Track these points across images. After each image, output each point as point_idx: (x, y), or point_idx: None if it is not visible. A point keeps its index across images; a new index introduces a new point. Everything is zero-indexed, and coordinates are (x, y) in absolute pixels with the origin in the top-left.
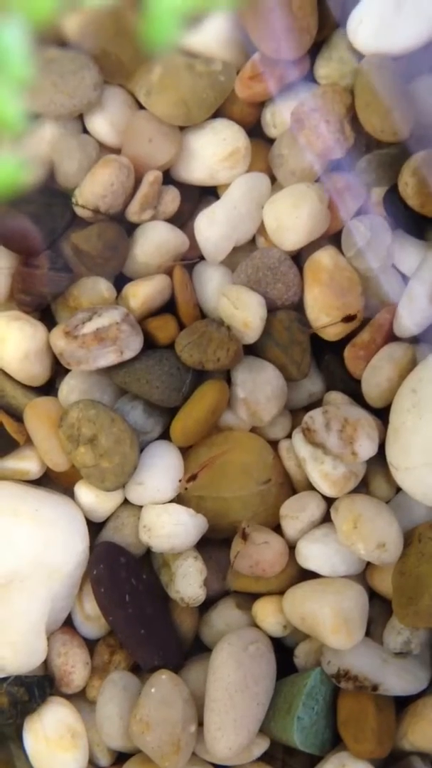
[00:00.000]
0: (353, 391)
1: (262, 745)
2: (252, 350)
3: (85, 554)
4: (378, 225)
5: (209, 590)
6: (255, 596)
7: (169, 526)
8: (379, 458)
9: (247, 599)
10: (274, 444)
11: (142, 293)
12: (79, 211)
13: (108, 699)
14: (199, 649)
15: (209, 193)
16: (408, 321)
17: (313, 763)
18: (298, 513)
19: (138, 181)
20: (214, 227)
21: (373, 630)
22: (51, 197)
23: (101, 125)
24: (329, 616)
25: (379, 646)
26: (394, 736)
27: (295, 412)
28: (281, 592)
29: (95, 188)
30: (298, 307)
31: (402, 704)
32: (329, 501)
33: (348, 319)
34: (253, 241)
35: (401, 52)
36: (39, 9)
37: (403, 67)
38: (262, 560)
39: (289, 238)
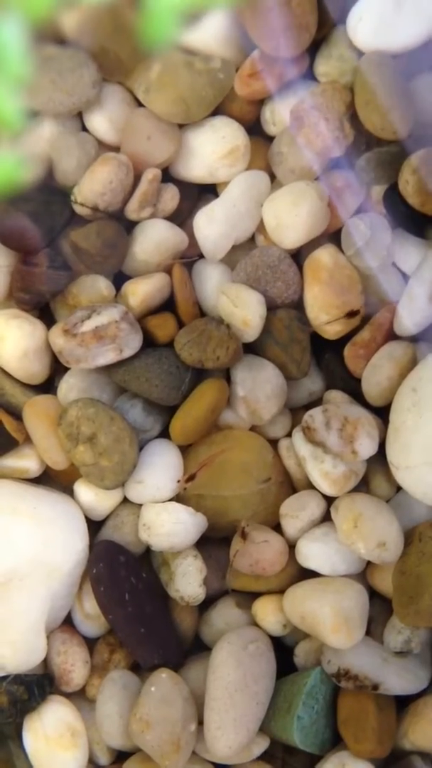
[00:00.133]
0: (353, 389)
1: (262, 744)
2: (252, 349)
3: (84, 553)
4: (378, 223)
5: (209, 589)
6: (255, 595)
7: (168, 525)
8: (380, 457)
9: (247, 598)
10: (273, 443)
11: (142, 291)
12: (78, 209)
13: (108, 698)
14: (198, 647)
15: (208, 191)
16: (408, 320)
17: (313, 763)
18: (298, 512)
19: (137, 179)
20: (213, 225)
21: (374, 629)
22: (50, 195)
23: (100, 123)
24: (329, 615)
25: (380, 645)
26: (394, 735)
27: (295, 411)
28: (281, 591)
29: (94, 186)
30: (298, 305)
31: (402, 703)
32: (329, 500)
33: (351, 314)
34: (252, 240)
35: (401, 50)
36: (37, 6)
37: (403, 65)
38: (262, 559)
39: (288, 236)
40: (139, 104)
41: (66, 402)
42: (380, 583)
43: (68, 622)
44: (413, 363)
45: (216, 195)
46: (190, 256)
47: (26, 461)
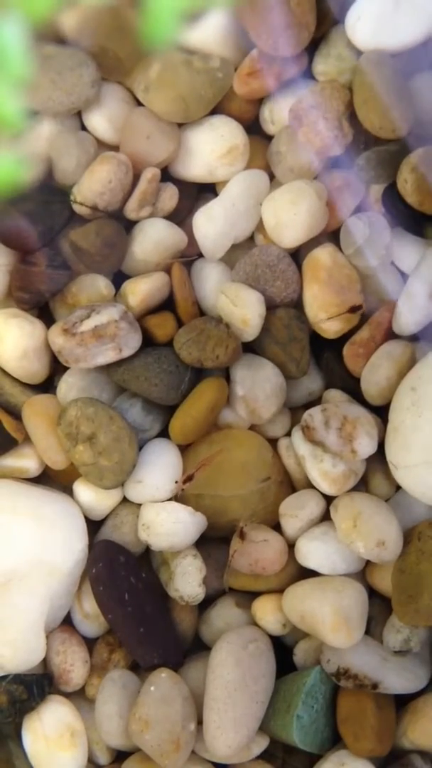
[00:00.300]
0: (352, 388)
1: (261, 744)
2: (251, 348)
3: (84, 552)
4: (377, 222)
5: (208, 588)
6: (254, 595)
7: (168, 524)
8: (379, 456)
9: (247, 598)
10: (273, 442)
11: (141, 290)
12: (78, 209)
13: (107, 697)
14: (198, 647)
15: (208, 190)
16: (407, 319)
17: (312, 762)
18: (297, 511)
19: (136, 178)
20: (212, 224)
21: (373, 628)
22: (49, 194)
23: (99, 122)
24: (329, 614)
25: (379, 644)
26: (393, 734)
27: (294, 410)
28: (281, 591)
29: (93, 185)
30: (297, 304)
31: (402, 702)
32: (329, 499)
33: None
34: (251, 239)
35: (400, 49)
36: (37, 6)
37: (402, 64)
38: (262, 558)
39: (287, 235)
40: (139, 104)
41: (65, 401)
42: (379, 583)
43: (68, 622)
44: (412, 362)
45: (215, 194)
46: (190, 256)
47: (25, 461)
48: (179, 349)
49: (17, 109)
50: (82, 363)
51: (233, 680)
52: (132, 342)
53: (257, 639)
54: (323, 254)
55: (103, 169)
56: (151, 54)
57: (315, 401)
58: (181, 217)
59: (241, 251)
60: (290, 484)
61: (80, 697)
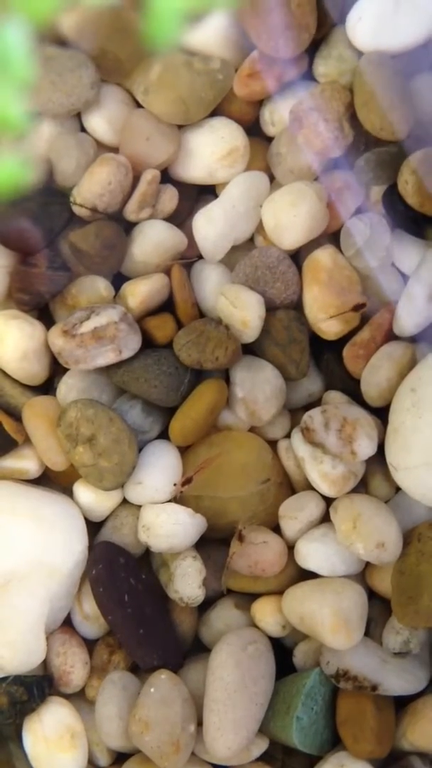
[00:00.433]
0: (352, 390)
1: (261, 745)
2: (251, 349)
3: (83, 554)
4: (377, 224)
5: (208, 590)
6: (254, 596)
7: (167, 526)
8: (379, 458)
9: (246, 599)
10: (272, 443)
11: (141, 292)
12: (77, 210)
13: (107, 699)
14: (198, 648)
15: (207, 192)
16: (407, 320)
17: (312, 763)
18: (297, 513)
19: (136, 180)
20: (212, 226)
21: (373, 630)
22: (49, 196)
23: (99, 124)
24: (328, 615)
25: (379, 646)
26: (393, 735)
27: (294, 412)
28: (280, 592)
29: (93, 187)
30: (297, 306)
31: (401, 704)
32: (328, 501)
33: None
34: (251, 240)
35: (400, 50)
36: (40, 9)
37: (402, 65)
38: (261, 560)
39: (287, 236)
40: (138, 105)
41: (65, 403)
42: (379, 584)
43: (68, 624)
44: (412, 363)
45: (215, 196)
46: (189, 257)
47: (26, 462)
48: (179, 350)
49: (20, 111)
50: (81, 364)
51: (233, 682)
52: (132, 343)
53: (257, 640)
54: (323, 256)
55: (103, 170)
56: (152, 56)
57: (315, 403)
58: (180, 218)
59: (241, 253)
60: (290, 485)
61: (80, 699)
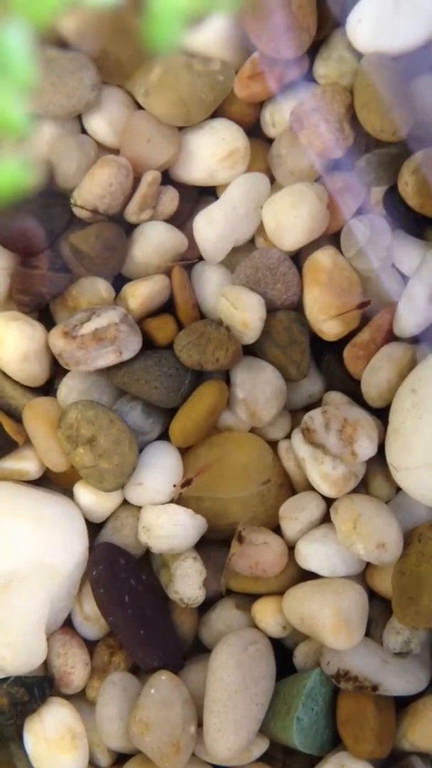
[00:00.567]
0: (353, 391)
1: (261, 746)
2: (251, 350)
3: (84, 555)
4: (378, 225)
5: (208, 591)
6: (254, 597)
7: (168, 527)
8: (379, 458)
9: (247, 600)
10: (273, 444)
11: (141, 293)
12: (78, 212)
13: (108, 700)
14: (198, 649)
15: (208, 193)
16: (408, 321)
17: (312, 764)
18: (297, 513)
19: (137, 182)
20: (212, 227)
21: (373, 630)
22: (49, 198)
23: (100, 125)
24: (329, 616)
25: (379, 646)
26: (393, 736)
27: (294, 413)
28: (281, 593)
29: (94, 188)
30: (298, 307)
31: (402, 704)
32: (329, 501)
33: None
34: (252, 242)
35: (400, 52)
36: (41, 11)
37: (403, 67)
38: (262, 561)
39: (288, 238)
40: (139, 107)
41: (66, 404)
42: (380, 584)
43: (68, 624)
44: (413, 364)
45: (216, 197)
46: (190, 259)
47: (26, 463)
48: (179, 352)
49: (22, 114)
50: (82, 366)
51: (233, 682)
52: (132, 345)
53: (257, 641)
54: (324, 257)
55: (104, 172)
56: (154, 58)
57: (315, 403)
58: (181, 220)
59: (242, 254)
60: (290, 486)
61: (81, 700)
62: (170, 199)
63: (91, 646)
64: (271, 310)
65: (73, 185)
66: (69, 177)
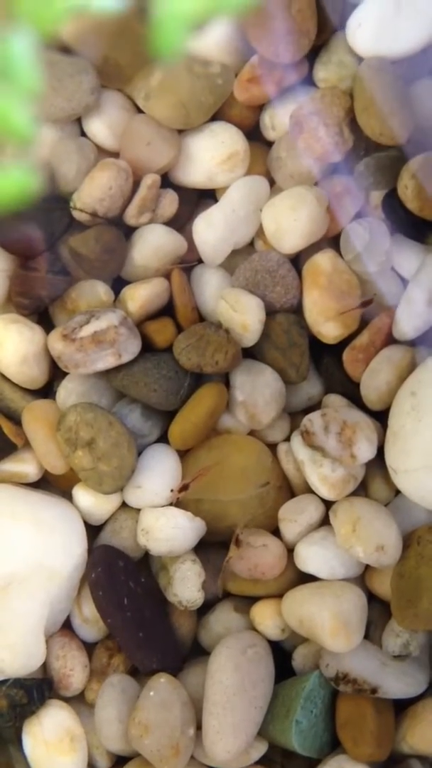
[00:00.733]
0: (352, 394)
1: (260, 749)
2: (250, 353)
3: (83, 557)
4: (377, 228)
5: (207, 593)
6: (253, 599)
7: (167, 530)
8: (378, 461)
9: (246, 602)
10: (272, 447)
11: (140, 296)
12: (77, 215)
13: (107, 702)
14: (197, 652)
15: (208, 196)
16: (407, 324)
17: (311, 767)
18: (296, 516)
19: (136, 185)
20: (212, 230)
21: (372, 633)
22: (49, 201)
23: (99, 129)
24: (328, 619)
25: (378, 648)
26: (393, 738)
27: (293, 415)
28: (280, 595)
29: (93, 192)
30: (297, 310)
31: (401, 707)
32: (328, 504)
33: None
34: (251, 244)
35: (400, 56)
36: (46, 17)
37: (403, 71)
38: (261, 563)
39: (287, 241)
40: (138, 110)
41: (65, 407)
42: (379, 587)
43: (67, 627)
44: (412, 367)
45: (215, 200)
46: (189, 261)
47: (25, 466)
48: (179, 354)
49: (26, 119)
50: (81, 368)
51: (232, 685)
52: (131, 347)
53: (256, 644)
54: (323, 260)
55: (103, 175)
56: (154, 62)
57: (314, 406)
58: (180, 223)
59: (241, 257)
60: (289, 488)
61: (80, 702)
62: (170, 202)
63: (90, 648)
64: (271, 312)
65: (73, 188)
66: (69, 180)
